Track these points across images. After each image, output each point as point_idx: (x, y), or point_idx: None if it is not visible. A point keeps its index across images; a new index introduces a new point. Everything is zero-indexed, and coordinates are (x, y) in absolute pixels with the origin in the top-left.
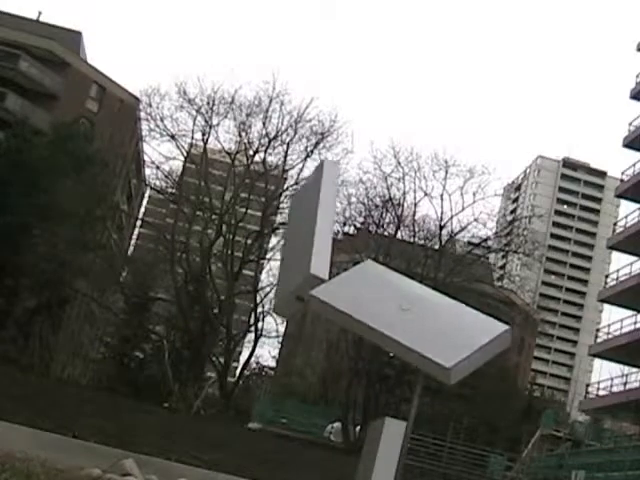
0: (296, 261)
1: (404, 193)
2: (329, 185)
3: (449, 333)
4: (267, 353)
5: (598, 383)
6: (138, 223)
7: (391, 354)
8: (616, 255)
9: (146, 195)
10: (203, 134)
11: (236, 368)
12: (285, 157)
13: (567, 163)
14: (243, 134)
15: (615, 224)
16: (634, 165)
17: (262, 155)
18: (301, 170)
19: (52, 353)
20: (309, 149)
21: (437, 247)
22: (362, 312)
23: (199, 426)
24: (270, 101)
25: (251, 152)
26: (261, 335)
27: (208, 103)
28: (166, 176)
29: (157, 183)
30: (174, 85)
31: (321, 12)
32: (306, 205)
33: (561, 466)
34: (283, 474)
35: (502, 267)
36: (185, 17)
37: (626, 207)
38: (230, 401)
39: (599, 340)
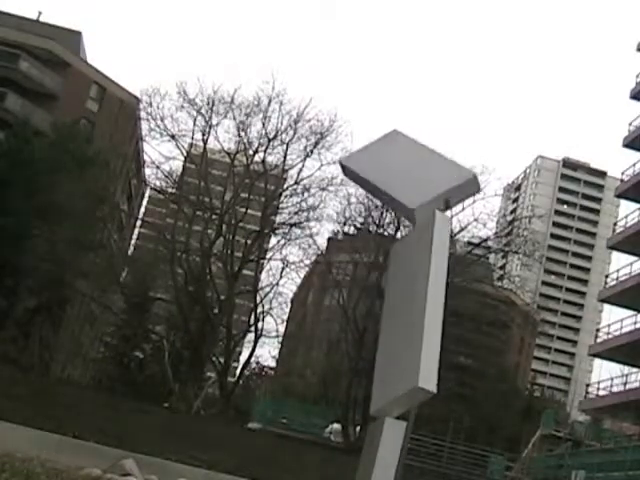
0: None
1: None
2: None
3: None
4: (267, 353)
5: (598, 383)
6: (138, 223)
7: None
8: (616, 255)
9: (146, 195)
10: (203, 134)
11: (236, 368)
12: (285, 157)
13: (567, 163)
14: (243, 134)
15: (615, 224)
16: (634, 165)
17: (262, 155)
18: (301, 170)
19: (52, 353)
20: (309, 149)
21: None
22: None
23: (199, 426)
24: (269, 101)
25: (251, 152)
26: (261, 335)
27: (208, 103)
28: (166, 176)
29: (157, 183)
30: (174, 85)
31: (321, 12)
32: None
33: (561, 466)
34: (283, 474)
35: (502, 267)
36: (185, 17)
37: (626, 207)
38: (230, 401)
39: (599, 340)
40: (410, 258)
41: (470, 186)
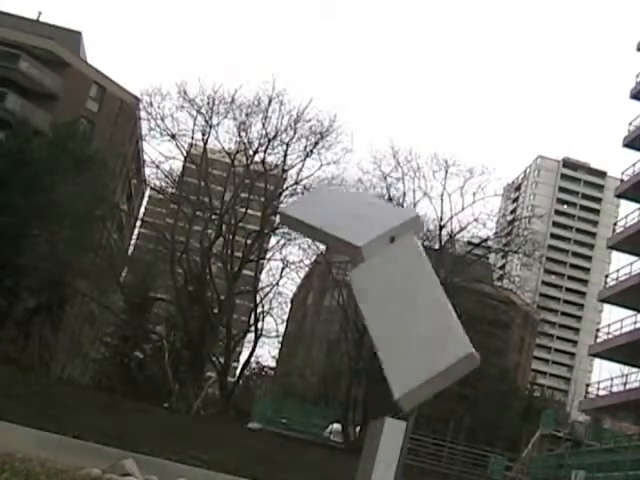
0: (382, 210)
1: (404, 193)
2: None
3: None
4: (267, 353)
5: (598, 383)
6: (138, 223)
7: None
8: (616, 255)
9: (146, 195)
10: (203, 134)
11: (236, 368)
12: (285, 157)
13: (567, 163)
14: (243, 134)
15: (615, 224)
16: (634, 165)
17: (262, 155)
18: (301, 170)
19: (52, 353)
20: (308, 149)
21: (437, 247)
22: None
23: (199, 426)
24: (270, 101)
25: (251, 152)
26: (261, 335)
27: (208, 103)
28: (166, 176)
29: (157, 183)
30: (174, 85)
31: (321, 12)
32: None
33: (561, 466)
34: (283, 474)
35: (502, 267)
36: (185, 17)
37: (626, 207)
38: (230, 401)
39: (599, 340)
40: (392, 270)
41: (414, 225)
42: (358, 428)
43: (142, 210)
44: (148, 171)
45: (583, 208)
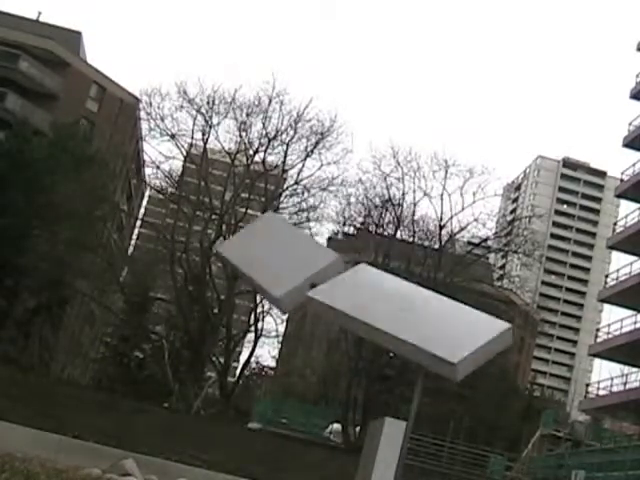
0: (301, 259)
1: (404, 193)
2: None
3: (452, 331)
4: (267, 353)
5: (598, 383)
6: (138, 223)
7: (391, 354)
8: (616, 255)
9: (146, 195)
10: (203, 134)
11: (236, 368)
12: (285, 157)
13: (567, 163)
14: (243, 134)
15: (615, 224)
16: (634, 165)
17: (262, 155)
18: (301, 170)
19: (52, 353)
20: (309, 149)
21: (437, 247)
22: (363, 312)
23: (199, 426)
24: (270, 101)
25: (251, 152)
26: (261, 335)
27: (208, 103)
28: (166, 176)
29: (157, 183)
30: (174, 85)
31: (321, 12)
32: (272, 235)
33: (561, 466)
34: (283, 474)
35: (502, 267)
36: (185, 17)
37: (626, 207)
38: (230, 401)
39: (599, 340)
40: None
41: (334, 267)
42: (358, 428)
43: (142, 210)
44: (148, 171)
45: (583, 208)
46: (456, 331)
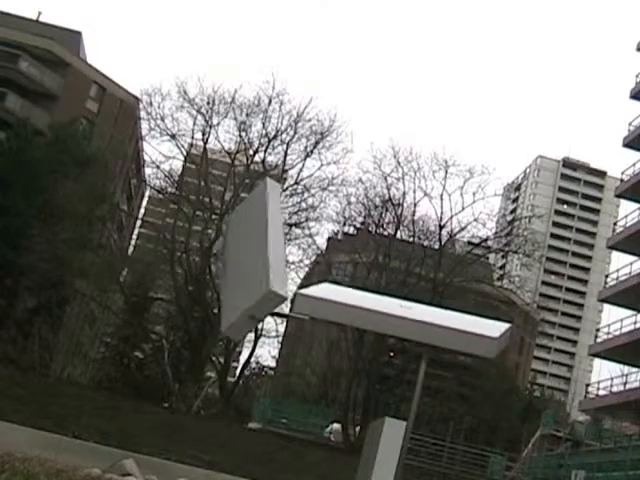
0: (247, 280)
1: (404, 193)
2: (275, 204)
3: (465, 322)
4: (267, 353)
5: (598, 383)
6: (138, 223)
7: (391, 354)
8: (616, 255)
9: (146, 195)
10: (203, 134)
11: (236, 368)
12: (285, 157)
13: (567, 163)
14: (243, 134)
15: (615, 224)
16: (634, 165)
17: (262, 155)
18: (301, 170)
19: (52, 353)
20: (309, 149)
21: (437, 247)
22: (367, 304)
23: (199, 426)
24: (270, 101)
25: (251, 152)
26: (261, 335)
27: (208, 103)
28: (166, 176)
29: (157, 183)
30: (174, 85)
31: (321, 12)
32: (249, 224)
33: (561, 466)
34: (283, 474)
35: (502, 267)
36: (185, 17)
37: (626, 207)
38: (230, 401)
39: (599, 340)
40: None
41: (272, 300)
42: (358, 428)
43: (142, 210)
44: (148, 171)
45: (583, 208)
46: (468, 322)
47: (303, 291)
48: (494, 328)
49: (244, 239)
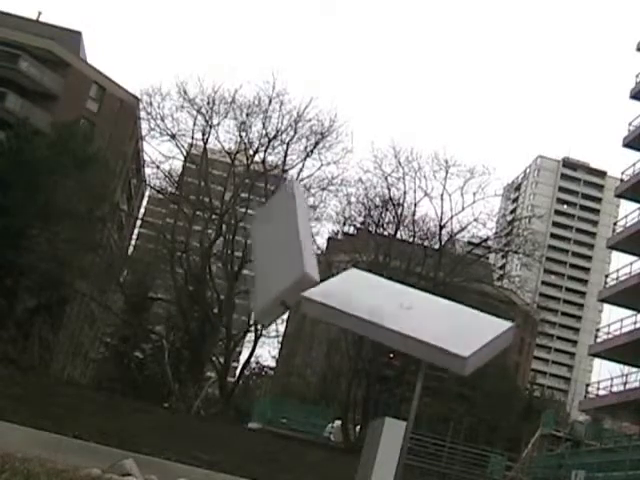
0: (280, 268)
1: (404, 193)
2: (303, 201)
3: (457, 328)
4: (267, 353)
5: (598, 383)
6: (138, 223)
7: (391, 354)
8: (616, 255)
9: (146, 195)
10: (203, 134)
11: (236, 368)
12: (285, 157)
13: (567, 163)
14: (243, 134)
15: (615, 224)
16: (634, 165)
17: (262, 155)
18: (301, 170)
19: (52, 353)
20: (309, 149)
21: (437, 247)
22: (364, 310)
23: (199, 426)
24: (270, 101)
25: (251, 152)
26: (261, 335)
27: (208, 103)
28: (166, 176)
29: (157, 183)
30: (175, 85)
31: (321, 12)
32: (280, 221)
33: (561, 466)
34: (283, 474)
35: (502, 267)
36: (185, 17)
37: (626, 207)
38: (230, 401)
39: (599, 340)
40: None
41: (304, 284)
42: (358, 428)
43: (142, 210)
44: (148, 171)
45: (583, 208)
46: (461, 328)
47: (308, 293)
48: (473, 341)
49: (275, 232)
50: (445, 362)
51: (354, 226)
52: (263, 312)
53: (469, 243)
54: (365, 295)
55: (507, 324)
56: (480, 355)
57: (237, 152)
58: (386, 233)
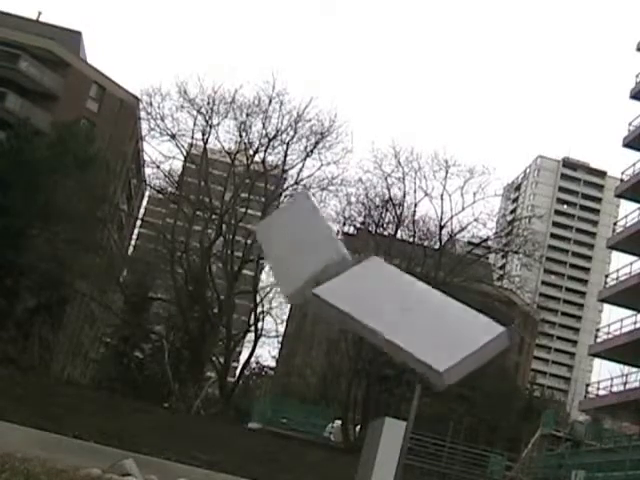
0: (312, 251)
1: (404, 193)
2: (317, 206)
3: (447, 335)
4: (267, 353)
5: (598, 383)
6: (138, 223)
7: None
8: (616, 255)
9: (146, 195)
10: (203, 134)
11: (236, 368)
12: (285, 157)
13: (567, 163)
14: (243, 134)
15: (615, 224)
16: (634, 165)
17: (262, 155)
18: (301, 170)
19: (52, 353)
20: (309, 149)
21: (437, 247)
22: (363, 312)
23: (199, 426)
24: (270, 101)
25: (251, 152)
26: (261, 335)
27: (208, 103)
28: (166, 176)
29: (157, 183)
30: (174, 85)
31: (321, 12)
32: (303, 218)
33: (561, 466)
34: (283, 474)
35: (502, 267)
36: (185, 17)
37: (626, 207)
38: (230, 401)
39: (599, 340)
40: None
41: (340, 265)
42: (358, 428)
43: (142, 210)
44: (148, 171)
45: (583, 208)
46: (452, 335)
47: (317, 290)
48: (455, 353)
49: (298, 228)
50: (427, 373)
51: (354, 226)
52: (296, 293)
53: (469, 243)
54: (371, 294)
55: (501, 328)
56: (466, 363)
57: (237, 152)
58: (386, 233)
